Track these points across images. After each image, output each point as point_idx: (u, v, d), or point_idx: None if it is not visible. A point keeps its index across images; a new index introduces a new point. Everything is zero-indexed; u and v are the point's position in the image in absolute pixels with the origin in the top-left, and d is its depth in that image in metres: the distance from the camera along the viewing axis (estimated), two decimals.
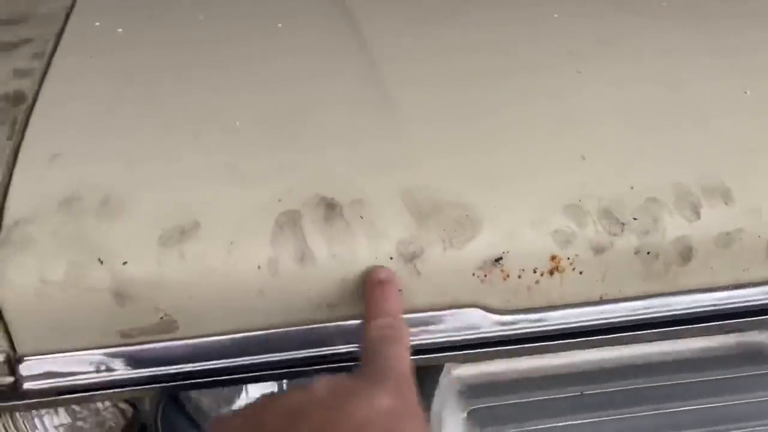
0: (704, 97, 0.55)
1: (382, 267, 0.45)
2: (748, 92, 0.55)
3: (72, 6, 0.71)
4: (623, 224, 0.47)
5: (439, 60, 0.59)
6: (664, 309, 0.49)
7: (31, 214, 0.46)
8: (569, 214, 0.47)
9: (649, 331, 0.50)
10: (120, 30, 0.65)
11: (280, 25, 0.65)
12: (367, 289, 0.45)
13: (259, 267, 0.45)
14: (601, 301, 0.48)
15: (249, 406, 0.38)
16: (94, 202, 0.47)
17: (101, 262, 0.44)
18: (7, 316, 0.43)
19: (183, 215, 0.46)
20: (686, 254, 0.48)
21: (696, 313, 0.49)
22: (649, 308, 0.49)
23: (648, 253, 0.48)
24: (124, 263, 0.44)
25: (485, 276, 0.47)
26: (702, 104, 0.54)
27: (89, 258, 0.44)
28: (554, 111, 0.54)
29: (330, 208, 0.47)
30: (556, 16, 0.64)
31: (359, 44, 0.62)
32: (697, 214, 0.48)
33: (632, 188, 0.48)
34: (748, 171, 0.50)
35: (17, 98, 0.56)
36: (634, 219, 0.47)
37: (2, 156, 0.50)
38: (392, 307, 0.43)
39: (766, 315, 0.50)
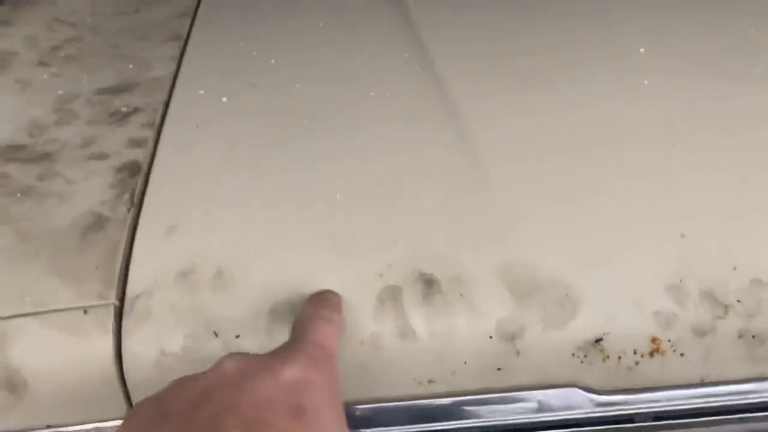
0: None
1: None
2: None
3: (176, 73, 0.76)
4: (726, 306, 0.47)
5: (531, 127, 0.60)
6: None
7: (151, 287, 0.49)
8: (670, 296, 0.47)
9: (753, 414, 0.49)
10: (224, 99, 0.69)
11: (372, 93, 0.68)
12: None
13: (362, 342, 0.46)
14: (703, 384, 0.48)
15: (164, 389, 0.37)
16: (208, 275, 0.50)
17: (216, 335, 0.47)
18: (130, 386, 0.46)
19: (290, 289, 0.48)
20: None
21: None
22: (753, 392, 0.48)
23: (753, 336, 0.47)
24: (237, 336, 0.47)
25: (585, 357, 0.47)
26: None
27: (205, 331, 0.47)
28: (651, 186, 0.53)
29: (429, 284, 0.48)
30: (646, 83, 0.64)
31: (450, 111, 0.64)
32: None
33: (735, 269, 0.48)
34: None
35: (134, 168, 0.60)
36: (738, 301, 0.47)
37: (123, 228, 0.54)
38: (327, 295, 0.44)
39: None
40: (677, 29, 0.73)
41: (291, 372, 0.36)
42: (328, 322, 0.42)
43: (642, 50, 0.70)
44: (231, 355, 0.38)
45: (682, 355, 0.47)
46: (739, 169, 0.54)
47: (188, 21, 0.90)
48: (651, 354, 0.47)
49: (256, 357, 0.38)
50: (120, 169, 0.60)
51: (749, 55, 0.68)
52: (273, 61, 0.76)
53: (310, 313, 0.43)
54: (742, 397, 0.48)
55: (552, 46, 0.72)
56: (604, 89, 0.64)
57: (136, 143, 0.64)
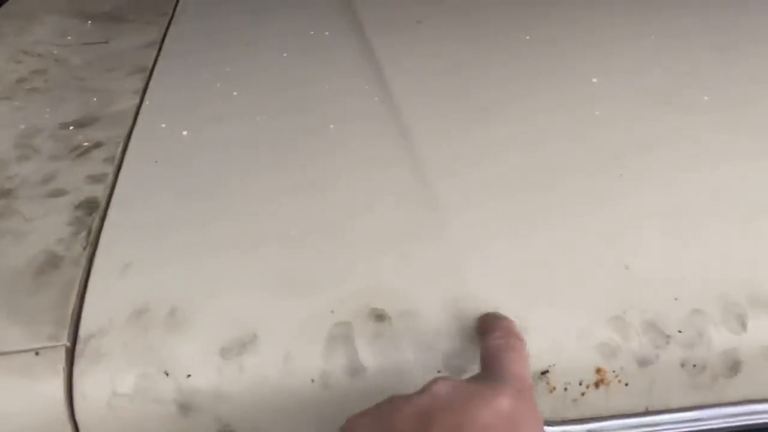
0: (750, 201, 0.55)
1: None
2: None
3: (139, 106, 0.77)
4: (668, 336, 0.48)
5: (485, 162, 0.62)
6: (713, 420, 0.49)
7: (104, 328, 0.49)
8: (613, 327, 0.48)
9: None
10: (185, 133, 0.70)
11: (332, 126, 0.69)
12: (481, 317, 0.47)
13: (312, 380, 0.47)
14: (648, 413, 0.49)
15: (377, 407, 0.40)
16: (161, 314, 0.50)
17: (167, 375, 0.47)
18: (81, 429, 0.47)
19: (242, 327, 0.49)
20: (734, 366, 0.48)
21: (746, 425, 0.49)
22: (697, 419, 0.49)
23: (694, 365, 0.48)
24: (188, 376, 0.47)
25: None
26: (748, 210, 0.55)
27: (157, 370, 0.47)
28: (598, 217, 0.55)
29: (380, 319, 0.49)
30: (597, 113, 0.66)
31: (406, 145, 0.65)
32: (744, 326, 0.48)
33: (676, 299, 0.49)
34: None
35: (91, 205, 0.61)
36: (679, 332, 0.48)
37: (78, 267, 0.54)
38: (508, 323, 0.45)
39: None
40: (630, 59, 0.76)
41: (505, 402, 0.37)
42: (520, 354, 0.43)
43: (594, 80, 0.72)
44: (440, 379, 0.40)
45: (626, 384, 0.48)
46: (683, 200, 0.56)
47: (154, 52, 0.91)
48: (596, 384, 0.48)
49: (465, 383, 0.40)
50: (78, 206, 0.61)
51: (698, 85, 0.70)
52: (235, 93, 0.77)
53: (501, 345, 0.43)
54: (686, 425, 0.49)
55: (507, 77, 0.74)
56: (556, 121, 0.66)
57: (95, 179, 0.65)
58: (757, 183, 0.57)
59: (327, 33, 0.91)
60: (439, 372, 0.47)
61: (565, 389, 0.48)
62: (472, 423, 0.36)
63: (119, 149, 0.69)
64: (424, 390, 0.39)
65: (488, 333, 0.44)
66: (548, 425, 0.48)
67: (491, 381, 0.40)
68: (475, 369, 0.47)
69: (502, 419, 0.36)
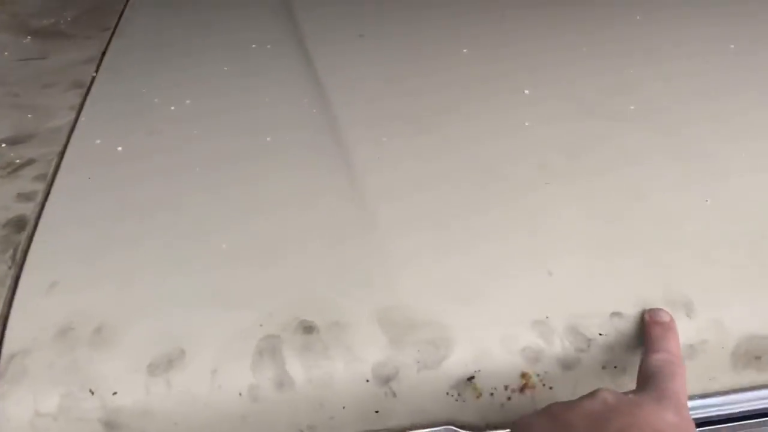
0: (667, 207, 0.57)
1: (663, 310, 0.49)
2: (709, 201, 0.58)
3: (75, 122, 0.76)
4: (589, 340, 0.49)
5: (416, 172, 0.63)
6: None
7: (28, 346, 0.49)
8: (537, 331, 0.49)
9: None
10: (120, 149, 0.69)
11: (269, 138, 0.69)
12: (647, 327, 0.48)
13: (240, 394, 0.47)
14: None
15: (546, 408, 0.42)
16: (87, 332, 0.50)
17: (92, 393, 0.47)
18: None
19: (170, 343, 0.49)
20: None
21: None
22: None
23: (615, 367, 0.49)
24: (114, 393, 0.47)
25: (458, 395, 0.49)
26: (665, 215, 0.57)
27: (81, 389, 0.47)
28: (523, 225, 0.56)
29: (308, 331, 0.49)
30: (527, 124, 0.68)
31: (342, 156, 0.66)
32: None
33: (597, 303, 0.51)
34: (709, 283, 0.52)
35: (20, 224, 0.60)
36: (600, 334, 0.50)
37: (3, 286, 0.53)
38: (672, 346, 0.46)
39: (733, 422, 0.51)
40: (560, 71, 0.78)
41: (670, 415, 0.40)
42: (676, 376, 0.44)
43: (526, 91, 0.74)
44: (603, 390, 0.42)
45: (551, 388, 0.49)
46: (605, 207, 0.58)
47: (94, 67, 0.90)
48: (521, 389, 0.49)
49: (629, 395, 0.42)
50: (5, 225, 0.60)
51: (625, 93, 0.72)
52: (173, 108, 0.77)
53: (665, 365, 0.44)
54: None
55: (443, 89, 0.76)
56: (487, 131, 0.67)
57: (26, 197, 0.64)
58: (674, 187, 0.59)
59: (269, 46, 0.91)
60: (368, 381, 0.48)
61: (492, 394, 0.49)
62: (644, 425, 0.38)
63: (52, 166, 0.68)
64: (593, 396, 0.41)
65: (652, 353, 0.45)
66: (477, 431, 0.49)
67: (655, 395, 0.42)
68: (402, 377, 0.48)
69: (669, 427, 0.39)
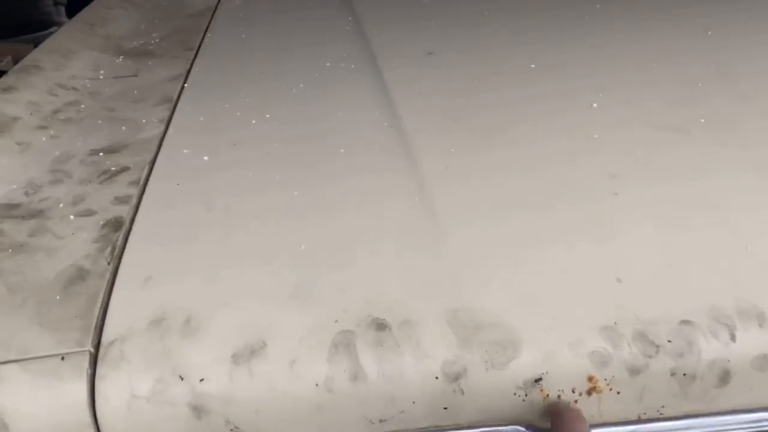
0: (739, 217, 0.57)
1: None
2: None
3: (164, 134, 0.82)
4: (658, 346, 0.50)
5: (486, 182, 0.65)
6: (705, 429, 0.50)
7: (125, 334, 0.53)
8: (605, 336, 0.50)
9: None
10: (206, 158, 0.74)
11: (342, 150, 0.73)
12: None
13: (317, 384, 0.50)
14: (640, 421, 0.50)
15: None
16: (178, 322, 0.54)
17: (181, 379, 0.50)
18: (103, 429, 0.50)
19: (252, 335, 0.52)
20: (724, 376, 0.50)
21: None
22: (689, 428, 0.50)
23: (684, 374, 0.50)
24: (201, 380, 0.50)
25: (526, 395, 0.50)
26: (736, 225, 0.57)
27: (172, 374, 0.51)
28: (593, 234, 0.57)
29: (381, 328, 0.52)
30: (595, 136, 0.69)
31: (413, 166, 0.69)
32: (733, 337, 0.50)
33: (666, 311, 0.51)
34: None
35: (117, 224, 0.65)
36: (669, 341, 0.50)
37: (103, 280, 0.58)
38: None
39: None
40: (629, 82, 0.78)
41: None
42: None
43: (594, 105, 0.75)
44: None
45: (618, 393, 0.50)
46: (674, 217, 0.58)
47: (180, 84, 0.97)
48: (588, 392, 0.50)
49: None
50: (104, 225, 0.65)
51: (694, 106, 0.72)
52: (254, 121, 0.82)
53: None
54: None
55: (512, 104, 0.78)
56: (556, 144, 0.69)
57: (121, 200, 0.69)
58: (747, 198, 0.59)
59: (342, 65, 0.96)
60: (437, 378, 0.50)
61: (559, 396, 0.50)
62: None
63: (144, 173, 0.73)
64: None
65: None
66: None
67: None
68: (470, 376, 0.50)
69: None
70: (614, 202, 0.60)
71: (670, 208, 0.59)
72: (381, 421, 0.50)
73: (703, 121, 0.70)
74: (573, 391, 0.50)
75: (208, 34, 1.19)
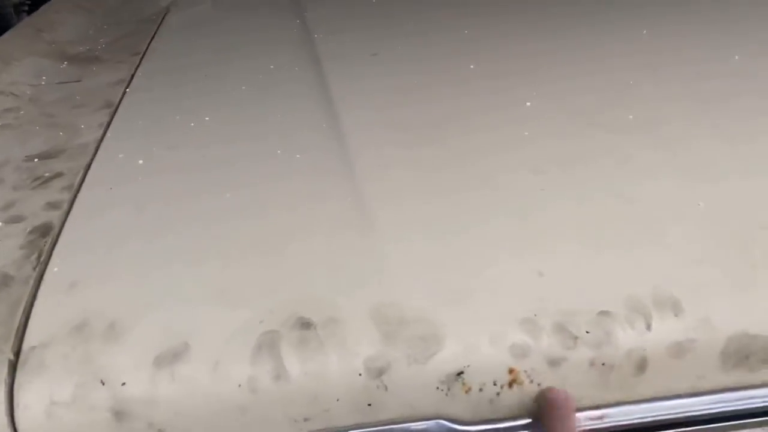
0: (658, 209, 0.59)
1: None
2: (702, 204, 0.59)
3: (101, 139, 0.81)
4: (576, 337, 0.51)
5: (416, 178, 0.65)
6: (623, 417, 0.51)
7: (46, 341, 0.52)
8: (525, 329, 0.51)
9: None
10: (140, 162, 0.74)
11: (279, 151, 0.73)
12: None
13: (239, 385, 0.50)
14: None
15: None
16: (101, 327, 0.53)
17: (103, 383, 0.50)
18: None
19: (176, 338, 0.52)
20: (641, 365, 0.51)
21: (655, 421, 0.51)
22: (607, 417, 0.51)
23: (603, 364, 0.51)
24: (123, 384, 0.50)
25: (448, 389, 0.50)
26: (655, 217, 0.58)
27: (93, 380, 0.50)
28: (516, 227, 0.58)
29: (306, 327, 0.52)
30: (526, 133, 0.70)
31: (347, 165, 0.69)
32: (649, 326, 0.51)
33: (586, 302, 0.52)
34: (697, 283, 0.52)
35: (45, 230, 0.64)
36: (587, 332, 0.51)
37: (27, 286, 0.57)
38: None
39: (723, 422, 0.51)
40: (563, 82, 0.80)
41: None
42: None
43: (528, 103, 0.76)
44: None
45: (539, 384, 0.51)
46: (596, 210, 0.59)
47: (123, 89, 0.96)
48: (510, 384, 0.50)
49: None
50: (32, 231, 0.64)
51: (624, 105, 0.74)
52: (192, 124, 0.81)
53: None
54: (598, 422, 0.51)
55: (447, 100, 0.79)
56: (486, 140, 0.69)
57: (53, 206, 0.68)
58: (668, 192, 0.60)
59: (286, 67, 0.96)
60: (360, 374, 0.50)
61: (480, 390, 0.50)
62: None
63: (78, 178, 0.73)
64: None
65: None
66: (466, 425, 0.51)
67: None
68: (393, 372, 0.50)
69: None
70: (538, 197, 0.61)
71: (592, 202, 0.60)
72: (305, 419, 0.50)
73: (631, 118, 0.72)
74: (494, 384, 0.50)
75: (156, 39, 1.18)
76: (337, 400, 0.50)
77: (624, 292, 0.52)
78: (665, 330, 0.51)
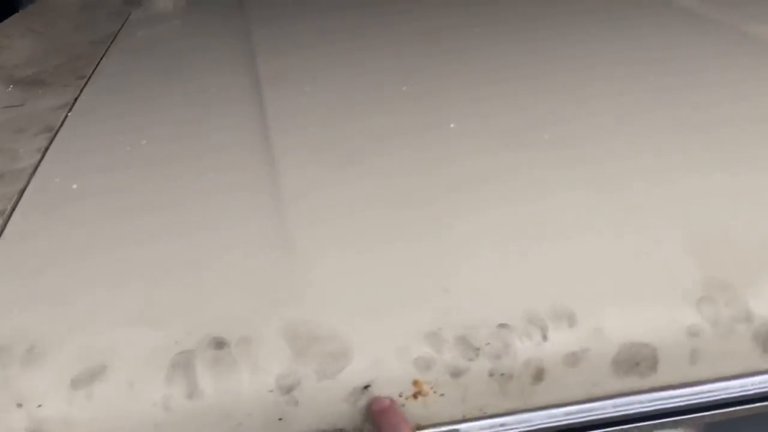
0: (560, 224, 0.62)
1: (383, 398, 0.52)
2: (596, 213, 0.62)
3: (39, 163, 0.82)
4: (477, 349, 0.54)
5: (336, 198, 0.68)
6: (523, 425, 0.54)
7: None
8: (429, 342, 0.54)
9: None
10: (74, 186, 0.75)
11: (210, 174, 0.75)
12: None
13: (154, 404, 0.52)
14: (465, 420, 0.54)
15: None
16: (20, 350, 0.55)
17: (19, 406, 0.51)
18: None
19: (93, 359, 0.53)
20: (538, 374, 0.54)
21: (552, 427, 0.54)
22: (507, 425, 0.54)
23: (502, 374, 0.53)
24: (39, 406, 0.51)
25: (356, 402, 0.53)
26: (557, 231, 0.61)
27: (10, 403, 0.52)
28: (428, 246, 0.61)
29: (219, 346, 0.54)
30: (446, 153, 0.73)
31: (274, 184, 0.71)
32: (545, 337, 0.54)
33: (487, 316, 0.55)
34: (592, 295, 0.56)
35: None
36: (487, 344, 0.54)
37: None
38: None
39: (617, 426, 0.55)
40: (488, 103, 0.83)
41: None
42: None
43: (452, 125, 0.79)
44: None
45: (441, 395, 0.53)
46: (501, 228, 0.62)
47: (65, 113, 0.97)
48: (414, 396, 0.53)
49: None
50: None
51: (542, 126, 0.78)
52: (129, 148, 0.83)
53: None
54: (500, 429, 0.54)
55: (377, 120, 0.82)
56: (408, 161, 0.73)
57: None
58: (569, 211, 0.64)
59: (227, 89, 0.98)
60: (271, 391, 0.52)
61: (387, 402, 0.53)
62: None
63: (11, 204, 0.74)
64: None
65: None
66: None
67: None
68: (303, 387, 0.52)
69: None
70: (451, 215, 0.64)
71: (501, 220, 0.63)
72: None
73: (546, 137, 0.75)
74: (400, 396, 0.53)
75: (103, 61, 1.19)
76: (249, 415, 0.52)
77: (522, 306, 0.55)
78: (560, 340, 0.54)
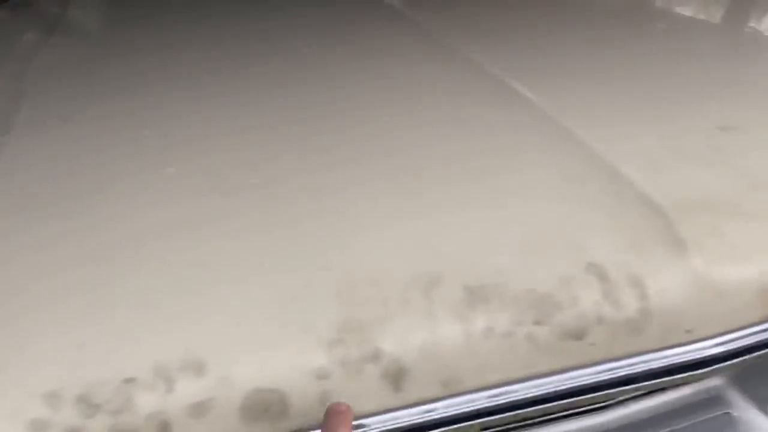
0: (218, 273, 0.63)
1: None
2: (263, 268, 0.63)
3: None
4: (97, 406, 0.53)
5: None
6: None
7: None
8: (48, 402, 0.53)
9: None
10: None
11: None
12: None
13: None
14: None
15: None
16: None
17: None
18: None
19: None
20: (162, 427, 0.53)
21: None
22: None
23: (122, 431, 0.53)
24: None
25: None
26: (210, 281, 0.62)
27: None
28: (77, 297, 0.60)
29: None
30: (162, 199, 0.73)
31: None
32: (170, 389, 0.54)
33: (115, 371, 0.54)
34: (227, 344, 0.56)
35: None
36: (107, 400, 0.53)
37: None
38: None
39: None
40: (211, 150, 0.84)
41: None
42: None
43: (170, 170, 0.79)
44: None
45: None
46: (157, 280, 0.62)
47: None
48: None
49: None
50: None
51: (249, 168, 0.78)
52: None
53: None
54: None
55: (100, 160, 0.81)
56: (116, 206, 0.72)
57: None
58: (221, 258, 0.64)
59: None
60: None
61: None
62: None
63: None
64: None
65: None
66: None
67: None
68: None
69: None
70: (122, 270, 0.63)
71: (162, 272, 0.63)
72: None
73: (254, 182, 0.76)
74: None
75: None
76: None
77: (154, 358, 0.55)
78: (186, 391, 0.54)
